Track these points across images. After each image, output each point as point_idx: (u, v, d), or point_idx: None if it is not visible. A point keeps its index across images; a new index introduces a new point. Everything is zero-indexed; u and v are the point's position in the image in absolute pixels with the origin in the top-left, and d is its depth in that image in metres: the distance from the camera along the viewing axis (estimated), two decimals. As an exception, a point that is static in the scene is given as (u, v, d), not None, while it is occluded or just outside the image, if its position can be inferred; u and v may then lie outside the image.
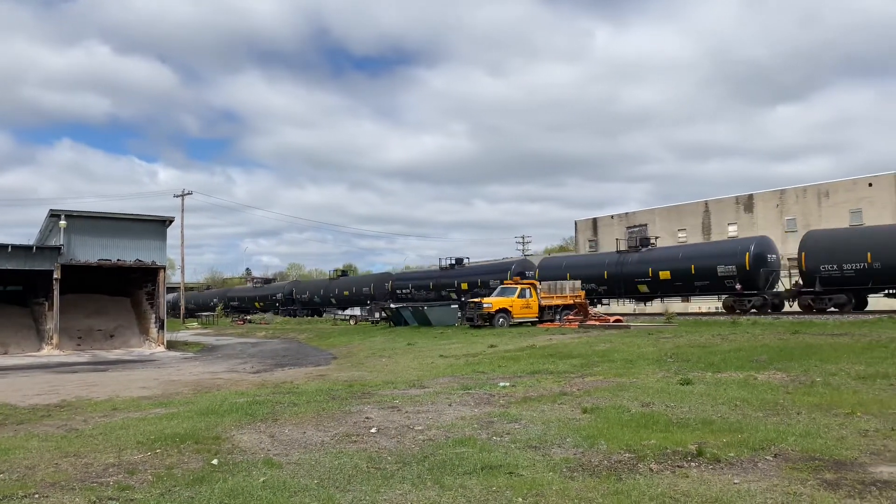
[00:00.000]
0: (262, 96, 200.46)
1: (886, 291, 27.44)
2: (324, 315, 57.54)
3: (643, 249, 36.29)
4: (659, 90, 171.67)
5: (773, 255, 31.38)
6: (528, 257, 55.54)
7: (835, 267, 27.54)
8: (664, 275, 33.37)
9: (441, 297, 42.37)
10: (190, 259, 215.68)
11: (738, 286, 30.40)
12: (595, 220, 65.32)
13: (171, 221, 32.75)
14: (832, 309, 27.31)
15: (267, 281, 74.93)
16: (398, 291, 49.39)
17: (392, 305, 37.83)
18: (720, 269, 31.21)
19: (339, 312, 53.83)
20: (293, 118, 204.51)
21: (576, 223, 67.31)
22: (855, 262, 27.01)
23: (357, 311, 50.71)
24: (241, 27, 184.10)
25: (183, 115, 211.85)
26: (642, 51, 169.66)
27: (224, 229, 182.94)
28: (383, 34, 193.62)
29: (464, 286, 37.74)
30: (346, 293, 55.09)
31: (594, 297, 36.26)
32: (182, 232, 63.46)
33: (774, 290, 31.07)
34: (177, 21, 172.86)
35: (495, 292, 31.54)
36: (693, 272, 32.27)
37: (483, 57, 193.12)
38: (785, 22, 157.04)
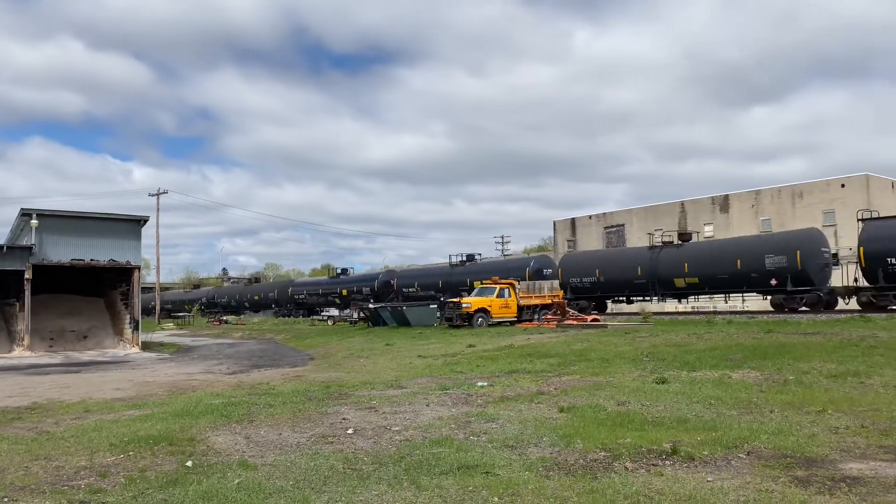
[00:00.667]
0: (239, 94, 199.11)
1: None
2: (322, 314, 54.21)
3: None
4: (637, 91, 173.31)
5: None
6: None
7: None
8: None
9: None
10: (166, 259, 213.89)
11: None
12: (573, 221, 65.72)
13: (145, 221, 32.34)
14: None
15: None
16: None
17: (371, 306, 37.71)
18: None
19: (336, 312, 51.11)
20: (271, 116, 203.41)
21: (554, 223, 67.69)
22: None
23: (335, 311, 49.69)
24: (218, 24, 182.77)
25: (158, 113, 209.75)
26: (621, 51, 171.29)
27: (200, 229, 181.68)
28: (363, 32, 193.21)
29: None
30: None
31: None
32: (157, 231, 62.86)
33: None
34: (152, 17, 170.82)
35: (474, 292, 31.60)
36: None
37: (463, 56, 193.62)
38: (760, 23, 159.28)
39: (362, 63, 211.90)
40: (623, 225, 61.00)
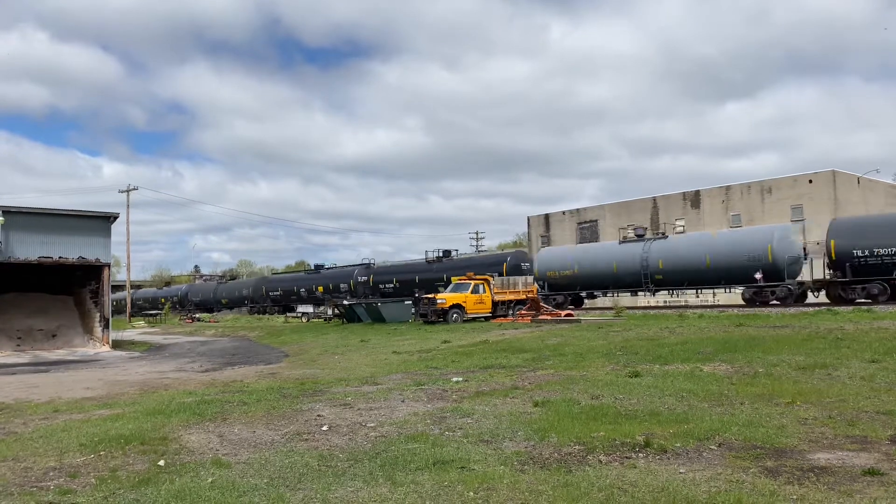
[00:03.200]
0: (210, 88, 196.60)
1: None
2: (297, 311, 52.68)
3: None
4: (612, 86, 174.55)
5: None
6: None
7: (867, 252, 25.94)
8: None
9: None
10: (137, 256, 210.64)
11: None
12: (547, 216, 66.03)
13: (115, 217, 31.83)
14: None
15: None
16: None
17: (345, 302, 37.56)
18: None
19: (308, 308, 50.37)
20: (243, 111, 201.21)
21: (528, 219, 67.92)
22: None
23: (310, 308, 49.12)
24: (188, 15, 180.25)
25: (127, 107, 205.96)
26: (596, 46, 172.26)
27: (172, 225, 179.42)
28: (336, 25, 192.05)
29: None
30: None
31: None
32: (128, 228, 61.96)
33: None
34: (120, 7, 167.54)
35: (449, 288, 31.59)
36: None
37: (438, 51, 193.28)
38: (733, 19, 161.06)
39: (336, 57, 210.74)
40: (596, 220, 61.45)
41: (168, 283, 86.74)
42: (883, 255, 25.76)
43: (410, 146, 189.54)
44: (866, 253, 26.20)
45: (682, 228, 52.59)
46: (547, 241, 63.08)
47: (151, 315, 64.13)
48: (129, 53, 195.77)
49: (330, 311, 38.70)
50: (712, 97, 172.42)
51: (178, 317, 61.03)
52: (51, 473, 6.75)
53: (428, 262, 44.35)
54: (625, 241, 35.40)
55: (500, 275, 34.90)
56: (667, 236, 34.86)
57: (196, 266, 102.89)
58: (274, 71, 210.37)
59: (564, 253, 39.40)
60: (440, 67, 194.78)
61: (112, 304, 33.50)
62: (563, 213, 65.17)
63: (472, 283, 30.54)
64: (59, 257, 29.64)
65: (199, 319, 55.92)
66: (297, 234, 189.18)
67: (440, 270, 42.24)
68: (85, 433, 8.62)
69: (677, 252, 32.49)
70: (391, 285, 45.79)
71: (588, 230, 61.80)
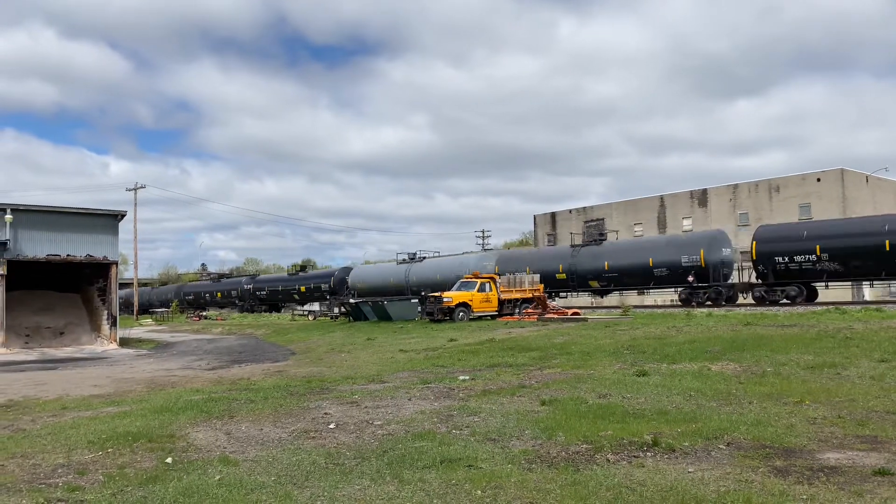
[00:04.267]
0: (217, 86, 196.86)
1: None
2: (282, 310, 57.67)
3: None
4: (621, 83, 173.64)
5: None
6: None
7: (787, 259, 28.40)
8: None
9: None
10: (144, 254, 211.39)
11: (690, 279, 31.08)
12: (554, 215, 65.92)
13: (123, 215, 31.95)
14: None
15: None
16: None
17: (351, 301, 37.61)
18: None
19: (298, 308, 53.41)
20: (250, 109, 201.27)
21: (535, 217, 67.82)
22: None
23: (316, 306, 50.19)
24: (195, 13, 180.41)
25: (135, 105, 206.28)
26: (605, 43, 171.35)
27: (179, 223, 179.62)
28: (342, 23, 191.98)
29: (302, 289, 46.90)
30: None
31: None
32: (135, 226, 62.17)
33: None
34: (127, 4, 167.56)
35: (455, 286, 31.58)
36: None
37: (445, 47, 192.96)
38: (744, 15, 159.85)
39: (342, 55, 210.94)
40: (603, 219, 61.32)
41: (164, 283, 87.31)
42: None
43: (417, 144, 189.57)
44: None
45: (689, 227, 52.45)
46: (553, 239, 62.98)
47: (158, 313, 64.34)
48: (137, 51, 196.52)
49: (336, 310, 38.77)
50: (721, 94, 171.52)
51: (186, 315, 61.25)
52: (59, 470, 6.77)
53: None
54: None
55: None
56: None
57: (203, 264, 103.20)
58: (280, 69, 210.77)
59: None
60: (447, 65, 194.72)
61: (120, 300, 33.61)
62: (570, 211, 65.07)
63: (479, 281, 30.51)
64: (67, 255, 29.77)
65: (206, 317, 56.09)
66: (304, 233, 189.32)
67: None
68: (93, 430, 8.65)
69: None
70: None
71: (595, 228, 61.70)
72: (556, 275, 36.48)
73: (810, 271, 27.87)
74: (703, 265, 30.84)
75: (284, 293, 57.04)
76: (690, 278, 30.99)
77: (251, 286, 60.42)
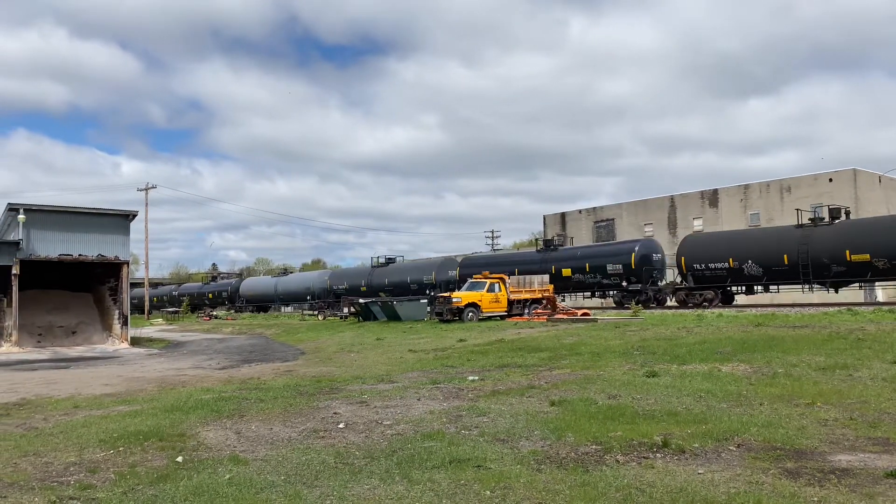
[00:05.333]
0: (228, 86, 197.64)
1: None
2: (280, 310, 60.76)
3: (549, 250, 40.17)
4: (633, 82, 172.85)
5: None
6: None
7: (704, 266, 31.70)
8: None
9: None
10: (155, 254, 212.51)
11: (624, 283, 34.29)
12: (563, 215, 65.78)
13: (134, 215, 32.13)
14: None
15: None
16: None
17: (361, 300, 37.69)
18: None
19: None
20: (261, 109, 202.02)
21: (544, 218, 67.70)
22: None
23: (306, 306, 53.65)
24: (206, 12, 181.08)
25: (146, 105, 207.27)
26: (617, 41, 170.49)
27: (190, 223, 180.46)
28: (353, 22, 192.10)
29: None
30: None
31: None
32: (146, 226, 62.51)
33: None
34: (138, 4, 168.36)
35: (464, 286, 31.57)
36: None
37: (456, 47, 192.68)
38: (758, 13, 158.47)
39: (353, 55, 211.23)
40: (613, 219, 61.14)
41: (156, 286, 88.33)
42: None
43: (427, 144, 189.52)
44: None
45: (699, 228, 52.22)
46: (563, 239, 62.85)
47: (169, 312, 64.67)
48: (148, 51, 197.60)
49: (346, 310, 38.87)
50: (734, 93, 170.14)
51: (196, 314, 61.55)
52: (71, 468, 6.82)
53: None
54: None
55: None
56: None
57: (213, 264, 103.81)
58: (291, 68, 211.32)
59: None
60: (458, 64, 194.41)
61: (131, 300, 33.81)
62: (580, 211, 64.92)
63: (488, 281, 30.48)
64: (79, 255, 29.98)
65: (216, 317, 56.34)
66: (313, 233, 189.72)
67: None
68: (104, 429, 8.71)
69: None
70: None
71: (605, 229, 61.52)
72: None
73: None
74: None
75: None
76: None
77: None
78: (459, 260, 46.07)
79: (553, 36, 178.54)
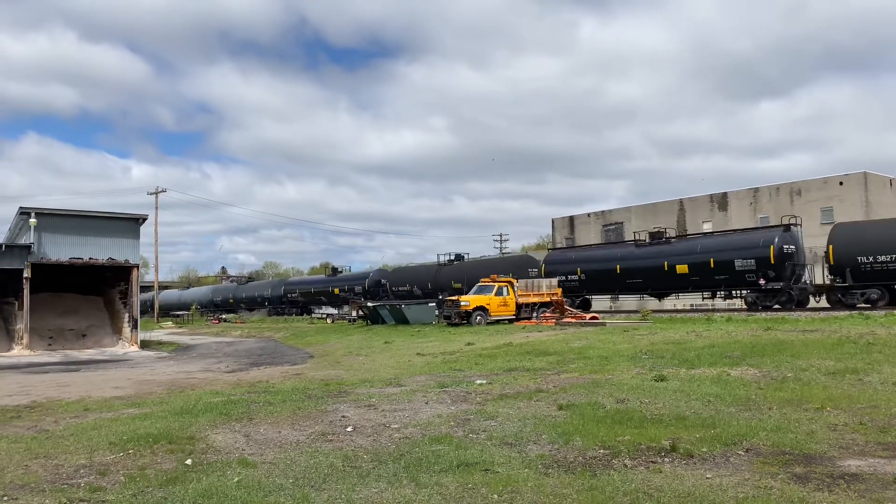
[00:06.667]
0: (237, 89, 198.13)
1: None
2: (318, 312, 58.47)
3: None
4: (643, 84, 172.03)
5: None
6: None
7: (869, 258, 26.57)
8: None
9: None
10: (165, 257, 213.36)
11: (761, 281, 29.09)
12: (572, 218, 65.67)
13: (144, 219, 32.33)
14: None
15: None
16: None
17: (369, 304, 37.76)
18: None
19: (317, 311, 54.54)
20: (270, 112, 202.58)
21: (553, 221, 67.61)
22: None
23: (333, 310, 50.77)
24: (215, 15, 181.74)
25: (155, 108, 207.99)
26: (627, 43, 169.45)
27: (200, 227, 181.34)
28: (362, 24, 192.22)
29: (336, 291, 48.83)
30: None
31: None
32: (156, 230, 62.83)
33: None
34: (147, 7, 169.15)
35: (472, 290, 31.58)
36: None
37: (465, 49, 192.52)
38: (770, 13, 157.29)
39: (361, 57, 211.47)
40: (622, 223, 61.00)
41: (188, 286, 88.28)
42: (884, 261, 26.55)
43: (436, 147, 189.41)
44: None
45: (709, 231, 52.02)
46: (571, 243, 62.72)
47: (178, 316, 64.93)
48: (157, 54, 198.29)
49: (354, 313, 38.94)
50: (746, 95, 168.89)
51: (205, 318, 61.78)
52: (81, 471, 6.86)
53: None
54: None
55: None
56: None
57: (223, 267, 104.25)
58: (299, 71, 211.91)
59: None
60: (467, 67, 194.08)
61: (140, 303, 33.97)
62: (588, 215, 64.80)
63: (496, 285, 30.49)
64: (90, 258, 30.17)
65: (225, 320, 56.53)
66: (322, 236, 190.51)
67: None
68: (114, 432, 8.76)
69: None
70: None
71: (613, 232, 61.38)
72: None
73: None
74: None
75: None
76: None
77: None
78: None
79: (562, 38, 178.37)
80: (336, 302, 53.36)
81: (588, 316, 28.87)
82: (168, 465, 6.95)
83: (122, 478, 6.53)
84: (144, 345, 31.48)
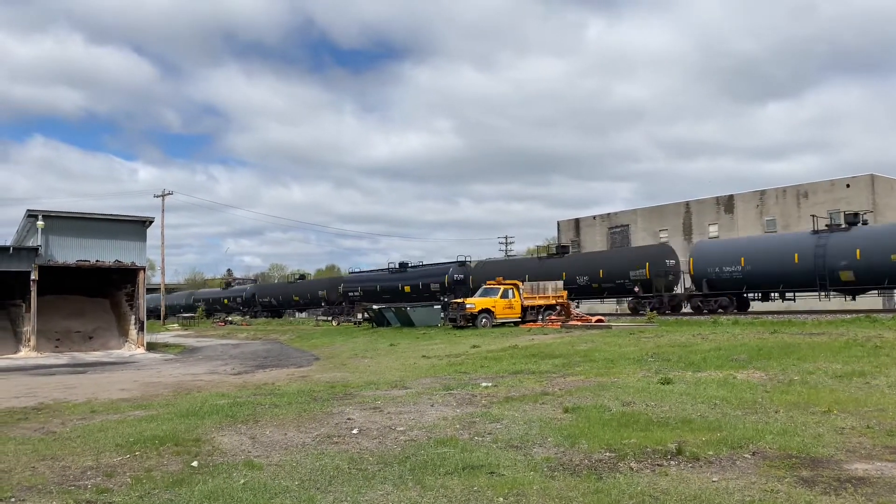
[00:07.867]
0: (243, 91, 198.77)
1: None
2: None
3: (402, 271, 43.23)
4: (649, 85, 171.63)
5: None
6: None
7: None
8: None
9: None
10: (170, 259, 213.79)
11: (636, 289, 34.56)
12: (577, 221, 65.63)
13: (150, 222, 32.44)
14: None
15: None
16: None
17: (374, 306, 37.80)
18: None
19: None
20: (276, 114, 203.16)
21: (558, 223, 67.58)
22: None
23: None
24: (221, 17, 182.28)
25: (162, 110, 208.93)
26: (634, 45, 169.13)
27: (205, 229, 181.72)
28: (368, 26, 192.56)
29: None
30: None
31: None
32: (162, 232, 63.04)
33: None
34: (153, 9, 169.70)
35: (478, 292, 31.58)
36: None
37: (470, 50, 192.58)
38: (778, 14, 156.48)
39: (367, 60, 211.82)
40: (628, 225, 60.93)
41: (198, 288, 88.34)
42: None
43: (441, 149, 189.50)
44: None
45: (715, 234, 51.91)
46: (577, 245, 62.65)
47: (185, 318, 65.08)
48: (163, 56, 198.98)
49: (360, 315, 38.98)
50: (753, 97, 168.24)
51: (211, 320, 61.91)
52: (88, 472, 6.89)
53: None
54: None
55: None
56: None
57: (228, 270, 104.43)
58: (305, 73, 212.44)
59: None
60: (472, 68, 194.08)
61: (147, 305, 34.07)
62: (594, 217, 64.75)
63: (502, 287, 30.47)
64: (97, 261, 30.29)
65: (231, 323, 56.64)
66: (328, 238, 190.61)
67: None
68: (121, 433, 8.79)
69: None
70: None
71: (619, 235, 61.29)
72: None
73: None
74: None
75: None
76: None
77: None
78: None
79: (567, 39, 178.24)
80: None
81: (594, 319, 28.83)
82: (174, 467, 6.98)
83: (128, 479, 6.55)
84: (151, 347, 31.57)
